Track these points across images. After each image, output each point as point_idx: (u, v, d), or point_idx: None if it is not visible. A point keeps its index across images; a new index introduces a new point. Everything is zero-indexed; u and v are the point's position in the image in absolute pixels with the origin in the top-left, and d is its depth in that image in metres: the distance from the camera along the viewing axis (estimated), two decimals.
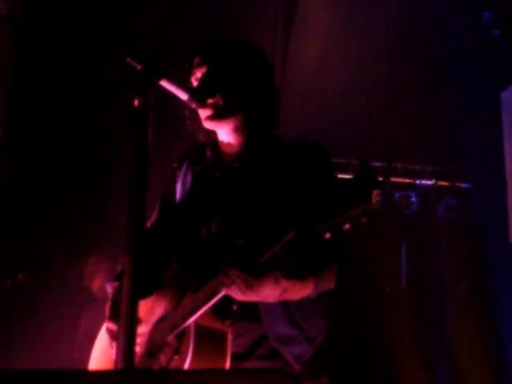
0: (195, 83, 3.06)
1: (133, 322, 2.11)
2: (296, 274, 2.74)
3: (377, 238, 7.54)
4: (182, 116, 3.23)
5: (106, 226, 6.35)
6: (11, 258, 6.22)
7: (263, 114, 3.11)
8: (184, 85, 2.84)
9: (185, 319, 2.78)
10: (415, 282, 8.21)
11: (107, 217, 6.45)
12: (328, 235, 2.38)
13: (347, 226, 2.36)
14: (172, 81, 2.64)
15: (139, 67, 2.41)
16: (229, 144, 3.14)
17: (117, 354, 2.09)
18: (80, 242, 6.78)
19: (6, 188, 6.24)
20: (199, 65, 3.08)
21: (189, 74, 3.12)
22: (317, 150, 3.05)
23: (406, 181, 8.32)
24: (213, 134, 3.18)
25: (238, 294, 2.61)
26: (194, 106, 2.90)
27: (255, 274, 2.57)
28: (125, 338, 2.09)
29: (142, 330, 3.01)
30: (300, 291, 2.77)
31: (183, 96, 2.79)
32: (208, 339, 2.74)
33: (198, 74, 3.06)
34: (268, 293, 2.64)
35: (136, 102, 2.30)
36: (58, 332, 6.23)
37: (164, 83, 2.58)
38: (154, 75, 2.42)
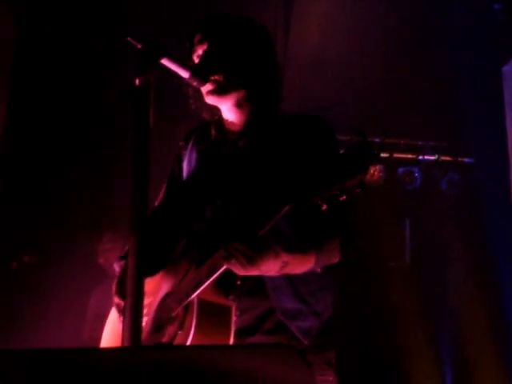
0: (197, 60, 3.06)
1: (138, 299, 2.13)
2: (297, 248, 2.75)
3: (381, 214, 7.56)
4: (184, 95, 3.24)
5: (116, 204, 6.36)
6: (17, 240, 6.24)
7: (265, 89, 3.10)
8: (185, 63, 2.84)
9: (188, 294, 2.80)
10: (419, 257, 8.23)
11: (116, 195, 6.46)
12: (325, 207, 2.39)
13: (343, 197, 2.37)
14: (173, 59, 2.63)
15: (139, 46, 2.41)
16: (232, 121, 3.15)
17: (123, 331, 2.12)
18: (88, 221, 6.80)
19: (13, 169, 6.26)
20: (200, 42, 3.07)
21: (190, 51, 3.11)
22: (317, 124, 3.06)
23: (409, 156, 8.33)
24: (217, 111, 3.18)
25: (239, 268, 2.61)
26: (195, 83, 2.90)
27: (255, 248, 2.58)
28: (131, 316, 2.12)
29: (149, 300, 3.05)
30: (301, 265, 2.78)
31: (184, 74, 2.79)
32: (211, 314, 2.75)
33: (200, 51, 3.06)
34: (268, 266, 2.65)
35: (137, 81, 2.31)
36: (66, 313, 6.26)
37: (165, 62, 2.57)
38: (154, 54, 2.43)
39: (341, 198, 2.37)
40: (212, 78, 2.95)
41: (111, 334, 3.25)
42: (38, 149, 6.48)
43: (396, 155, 8.22)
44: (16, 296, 6.26)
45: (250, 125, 3.11)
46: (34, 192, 6.44)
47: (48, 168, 6.51)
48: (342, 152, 2.35)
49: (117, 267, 3.29)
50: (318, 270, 2.84)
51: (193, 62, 3.07)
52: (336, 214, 2.56)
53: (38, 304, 6.21)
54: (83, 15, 6.61)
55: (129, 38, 2.42)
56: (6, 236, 6.22)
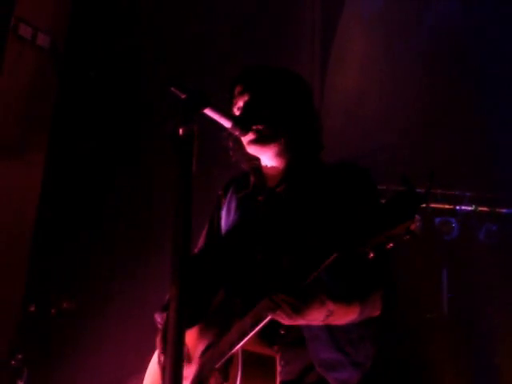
0: (237, 112, 3.09)
1: (179, 350, 2.11)
2: (342, 298, 2.72)
3: (418, 264, 7.49)
4: (224, 146, 3.27)
5: (151, 253, 6.35)
6: (56, 286, 6.24)
7: (306, 137, 3.13)
8: (227, 113, 2.87)
9: (232, 346, 2.77)
10: (457, 309, 8.12)
11: (152, 244, 6.45)
12: (372, 255, 2.36)
13: (391, 244, 2.34)
14: (216, 109, 2.66)
15: (183, 96, 2.43)
16: (272, 168, 3.16)
17: (163, 382, 2.10)
18: (127, 269, 6.75)
19: (51, 216, 6.29)
20: (240, 94, 3.12)
21: (230, 103, 3.15)
22: (354, 170, 3.07)
23: (446, 207, 8.28)
24: (256, 161, 3.20)
25: (284, 318, 2.59)
26: (237, 133, 2.93)
27: (300, 297, 2.55)
28: (172, 367, 2.10)
29: (188, 353, 3.03)
30: (345, 315, 2.74)
31: (227, 124, 2.81)
32: (256, 365, 2.73)
33: (240, 103, 3.10)
34: (314, 315, 2.62)
35: (181, 131, 2.32)
36: (102, 362, 6.19)
37: (208, 111, 2.60)
38: (198, 104, 2.45)
39: (388, 246, 2.34)
40: (254, 127, 2.98)
41: None
42: (79, 197, 6.51)
43: (433, 205, 8.18)
44: (54, 343, 6.22)
45: (288, 172, 3.12)
46: (77, 239, 6.44)
47: (87, 216, 6.53)
48: (389, 199, 2.32)
49: (158, 318, 3.27)
50: (356, 321, 2.80)
51: (233, 113, 3.10)
52: (380, 262, 2.53)
53: (76, 352, 6.17)
54: (122, 63, 6.71)
55: (173, 88, 2.44)
56: (46, 282, 6.22)
